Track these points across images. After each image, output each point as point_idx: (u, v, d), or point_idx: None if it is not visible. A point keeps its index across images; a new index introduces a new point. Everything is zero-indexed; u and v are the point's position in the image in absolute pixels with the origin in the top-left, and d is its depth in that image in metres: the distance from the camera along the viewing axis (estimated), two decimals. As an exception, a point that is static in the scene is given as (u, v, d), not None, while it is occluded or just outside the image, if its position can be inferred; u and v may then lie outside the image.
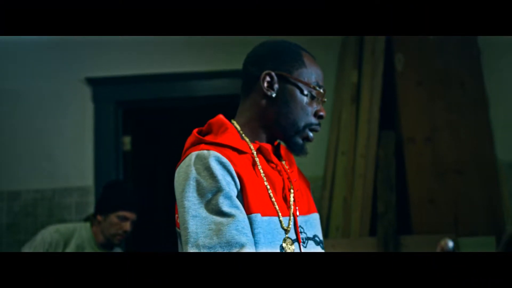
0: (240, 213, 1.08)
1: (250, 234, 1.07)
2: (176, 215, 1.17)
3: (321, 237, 1.31)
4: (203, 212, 1.06)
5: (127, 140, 3.39)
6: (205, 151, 1.12)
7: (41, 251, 2.27)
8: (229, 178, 1.10)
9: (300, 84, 1.24)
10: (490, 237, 2.56)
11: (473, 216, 2.65)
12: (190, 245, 1.04)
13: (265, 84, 1.24)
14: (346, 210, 2.77)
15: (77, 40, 3.17)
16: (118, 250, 2.52)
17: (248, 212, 1.10)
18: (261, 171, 1.20)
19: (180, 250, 1.20)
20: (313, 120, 1.26)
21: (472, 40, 2.88)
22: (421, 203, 2.69)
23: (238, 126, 1.26)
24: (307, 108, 1.25)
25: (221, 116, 1.25)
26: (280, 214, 1.17)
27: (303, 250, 1.20)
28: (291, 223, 1.19)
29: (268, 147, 1.24)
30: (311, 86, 1.25)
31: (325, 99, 1.31)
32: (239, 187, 1.12)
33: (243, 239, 1.04)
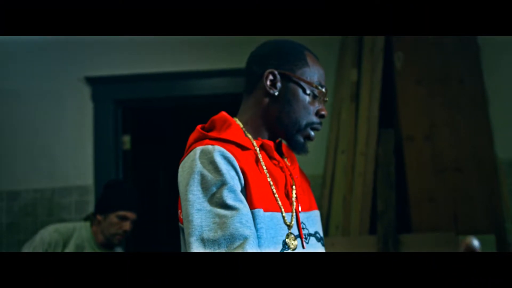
0: (244, 206, 1.09)
1: (253, 228, 1.09)
2: (180, 211, 1.18)
3: (321, 234, 1.33)
4: (208, 206, 1.07)
5: (126, 139, 3.39)
6: (210, 146, 1.13)
7: (40, 251, 2.26)
8: (233, 173, 1.11)
9: (303, 83, 1.25)
10: (490, 235, 2.56)
11: (473, 214, 2.65)
12: (194, 238, 1.05)
13: (268, 83, 1.26)
14: (346, 208, 2.77)
15: (76, 40, 3.16)
16: (119, 249, 2.52)
17: (251, 207, 1.11)
18: (264, 167, 1.21)
19: (182, 246, 1.21)
20: (315, 119, 1.27)
21: (471, 38, 2.88)
22: (420, 201, 2.69)
23: (240, 124, 1.27)
24: (309, 107, 1.26)
25: (224, 113, 1.26)
26: (283, 209, 1.19)
27: (305, 246, 1.21)
28: (294, 219, 1.21)
29: (270, 143, 1.25)
30: (314, 85, 1.26)
31: (327, 99, 1.32)
32: (243, 182, 1.13)
33: (246, 232, 1.05)
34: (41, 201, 3.14)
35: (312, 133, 1.28)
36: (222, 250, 1.03)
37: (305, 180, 1.40)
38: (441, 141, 2.76)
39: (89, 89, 3.24)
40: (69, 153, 3.20)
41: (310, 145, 1.31)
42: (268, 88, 1.25)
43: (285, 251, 1.15)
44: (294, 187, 1.26)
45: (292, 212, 1.21)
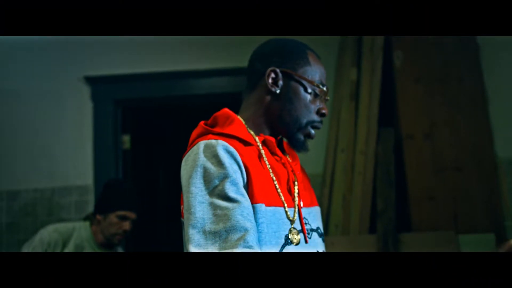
0: (245, 200, 1.10)
1: (253, 221, 1.09)
2: (182, 206, 1.19)
3: (322, 230, 1.34)
4: (209, 198, 1.08)
5: (126, 138, 3.39)
6: (213, 141, 1.14)
7: (40, 251, 2.26)
8: (236, 167, 1.12)
9: (304, 82, 1.27)
10: (490, 234, 2.57)
11: (473, 213, 2.65)
12: (196, 230, 1.06)
13: (270, 81, 1.27)
14: (346, 207, 2.77)
15: (75, 39, 3.16)
16: (119, 249, 2.52)
17: (253, 201, 1.12)
18: (267, 163, 1.22)
19: (184, 239, 1.21)
20: (315, 117, 1.29)
21: (470, 37, 2.88)
22: (420, 200, 2.69)
23: (242, 120, 1.28)
24: (310, 105, 1.28)
25: (226, 109, 1.27)
26: (285, 205, 1.20)
27: (308, 240, 1.22)
28: (296, 214, 1.22)
29: (272, 140, 1.26)
30: (315, 84, 1.27)
31: (328, 98, 1.33)
32: (245, 177, 1.14)
33: (247, 224, 1.06)
34: (41, 201, 3.14)
35: (313, 131, 1.29)
36: (223, 241, 1.03)
37: (306, 177, 1.41)
38: (441, 140, 2.76)
39: (88, 88, 3.24)
40: (68, 153, 3.20)
41: (310, 143, 1.32)
42: (269, 86, 1.27)
43: (287, 246, 1.15)
44: (296, 182, 1.27)
45: (294, 207, 1.22)
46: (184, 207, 1.11)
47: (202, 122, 1.26)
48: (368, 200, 2.73)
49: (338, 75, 3.07)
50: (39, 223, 3.05)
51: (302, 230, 1.21)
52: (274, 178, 1.21)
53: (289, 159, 1.32)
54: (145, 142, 4.04)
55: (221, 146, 1.12)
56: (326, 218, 2.80)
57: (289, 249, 1.16)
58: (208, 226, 1.05)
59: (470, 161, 2.73)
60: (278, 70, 1.27)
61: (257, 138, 1.24)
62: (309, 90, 1.27)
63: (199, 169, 1.11)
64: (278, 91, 1.26)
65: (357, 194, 2.75)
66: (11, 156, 3.20)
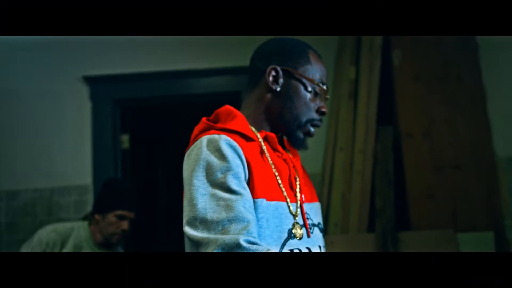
0: (247, 193, 1.11)
1: (254, 215, 1.10)
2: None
3: (322, 225, 1.35)
4: (212, 190, 1.09)
5: (125, 138, 3.39)
6: (216, 135, 1.16)
7: (38, 251, 2.26)
8: (238, 161, 1.13)
9: (305, 80, 1.28)
10: (489, 232, 2.57)
11: (472, 211, 2.65)
12: (198, 221, 1.06)
13: (271, 78, 1.28)
14: (345, 206, 2.78)
15: (74, 39, 3.16)
16: (119, 249, 2.51)
17: (254, 196, 1.13)
18: (269, 158, 1.23)
19: (185, 237, 1.22)
20: (315, 116, 1.30)
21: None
22: (419, 199, 2.69)
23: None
24: (310, 104, 1.29)
25: (228, 106, 1.28)
26: (288, 199, 1.21)
27: (310, 235, 1.23)
28: (298, 209, 1.23)
29: (274, 136, 1.28)
30: (315, 82, 1.29)
31: (328, 96, 1.34)
32: (247, 172, 1.15)
33: (249, 216, 1.07)
34: (40, 201, 3.14)
35: (312, 129, 1.30)
36: (226, 230, 1.04)
37: (306, 173, 1.41)
38: (440, 139, 2.76)
39: (87, 88, 3.24)
40: (68, 152, 3.20)
41: (308, 142, 1.33)
42: (270, 84, 1.28)
43: (290, 241, 1.16)
44: (297, 178, 1.28)
45: (296, 202, 1.24)
46: (186, 200, 1.11)
47: (204, 118, 1.27)
48: (367, 198, 2.73)
49: (337, 74, 3.07)
50: (38, 223, 3.05)
51: (304, 225, 1.22)
52: (276, 174, 1.22)
53: (290, 155, 1.33)
54: (144, 141, 4.04)
55: (224, 140, 1.14)
56: (325, 217, 2.81)
57: (292, 243, 1.17)
58: (210, 215, 1.06)
59: (469, 159, 2.73)
60: (279, 68, 1.28)
61: (258, 134, 1.25)
62: (309, 89, 1.28)
63: (201, 162, 1.12)
64: (278, 89, 1.27)
65: (356, 193, 2.75)
66: (10, 156, 3.20)
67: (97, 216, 2.37)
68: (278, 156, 1.27)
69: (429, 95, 2.82)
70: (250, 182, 1.14)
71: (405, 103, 2.82)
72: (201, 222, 1.06)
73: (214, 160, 1.11)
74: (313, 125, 1.30)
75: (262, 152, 1.23)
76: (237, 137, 1.19)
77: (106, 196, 2.39)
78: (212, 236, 1.03)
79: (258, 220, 1.12)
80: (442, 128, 2.78)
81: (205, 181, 1.10)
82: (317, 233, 1.27)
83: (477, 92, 2.82)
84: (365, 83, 2.91)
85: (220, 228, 1.04)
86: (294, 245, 1.17)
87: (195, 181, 1.10)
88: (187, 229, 1.08)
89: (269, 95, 1.29)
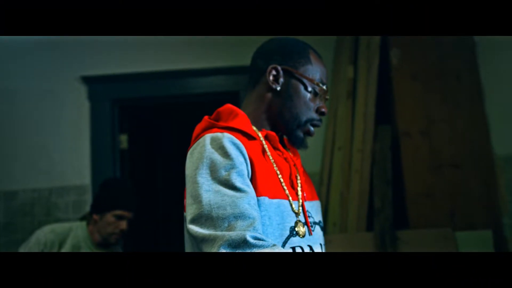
0: (251, 191, 1.12)
1: (259, 212, 1.11)
2: (185, 200, 1.19)
3: (323, 223, 1.36)
4: (216, 187, 1.09)
5: (123, 138, 3.39)
6: (219, 133, 1.16)
7: (36, 251, 2.26)
8: (241, 159, 1.14)
9: (305, 80, 1.29)
10: (487, 231, 2.57)
11: (470, 209, 2.65)
12: (204, 218, 1.06)
13: (271, 78, 1.29)
14: (343, 205, 2.78)
15: (72, 39, 3.16)
16: (118, 248, 2.51)
17: (256, 194, 1.14)
18: (270, 157, 1.24)
19: (186, 236, 1.22)
20: (315, 115, 1.31)
21: (467, 33, 2.89)
22: (417, 197, 2.69)
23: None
24: (310, 103, 1.30)
25: (229, 105, 1.29)
26: (290, 198, 1.22)
27: (312, 233, 1.24)
28: (300, 207, 1.24)
29: (275, 135, 1.28)
30: (315, 82, 1.30)
31: (328, 97, 1.35)
32: (249, 169, 1.15)
33: (255, 214, 1.07)
34: (39, 201, 3.14)
35: (312, 128, 1.31)
36: (232, 227, 1.04)
37: (305, 172, 1.42)
38: (438, 137, 2.76)
39: (85, 88, 3.24)
40: (66, 152, 3.20)
41: (307, 141, 1.33)
42: (270, 83, 1.28)
43: (292, 238, 1.17)
44: (298, 176, 1.29)
45: (298, 200, 1.24)
46: (191, 198, 1.11)
47: (206, 117, 1.28)
48: (365, 198, 2.73)
49: (335, 73, 3.07)
50: (37, 223, 3.05)
51: (305, 223, 1.23)
52: (278, 172, 1.23)
53: (290, 154, 1.34)
54: (143, 141, 4.04)
55: (227, 138, 1.14)
56: (324, 216, 2.81)
57: (293, 240, 1.17)
58: (216, 212, 1.06)
59: (467, 158, 2.73)
60: (279, 68, 1.29)
61: (259, 133, 1.26)
62: (309, 89, 1.29)
63: (205, 160, 1.12)
64: (278, 88, 1.28)
65: (355, 192, 2.76)
66: (8, 156, 3.20)
67: (95, 216, 2.37)
68: (279, 154, 1.28)
69: (427, 94, 2.82)
70: (253, 180, 1.15)
71: (403, 102, 2.83)
72: (206, 219, 1.06)
73: (218, 158, 1.11)
74: (313, 125, 1.31)
75: (263, 150, 1.23)
76: (239, 135, 1.19)
77: (104, 196, 2.39)
78: (218, 232, 1.03)
79: (261, 217, 1.12)
80: (440, 127, 2.78)
81: (209, 178, 1.10)
82: (318, 231, 1.28)
83: (475, 91, 2.82)
84: (363, 82, 2.91)
85: (226, 225, 1.04)
86: (296, 243, 1.18)
87: (199, 179, 1.10)
88: (192, 227, 1.08)
89: (269, 94, 1.30)
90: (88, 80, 3.22)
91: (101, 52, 3.26)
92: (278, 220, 1.16)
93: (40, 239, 2.30)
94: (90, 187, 3.13)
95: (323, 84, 1.31)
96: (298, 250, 1.17)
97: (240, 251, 1.00)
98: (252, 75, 1.34)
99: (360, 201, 2.73)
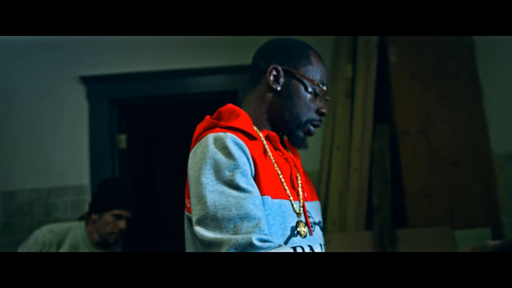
0: (255, 191, 1.11)
1: (264, 212, 1.11)
2: (187, 199, 1.20)
3: (322, 224, 1.36)
4: (221, 187, 1.09)
5: (122, 137, 3.38)
6: (222, 133, 1.16)
7: (35, 252, 2.25)
8: (245, 159, 1.13)
9: (305, 81, 1.29)
10: (486, 229, 2.58)
11: (469, 208, 2.66)
12: (209, 219, 1.06)
13: (271, 78, 1.29)
14: (342, 204, 2.78)
15: (70, 39, 3.16)
16: (117, 248, 2.51)
17: (260, 193, 1.13)
18: (271, 157, 1.24)
19: (186, 235, 1.23)
20: (315, 116, 1.31)
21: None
22: (416, 196, 2.70)
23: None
24: (310, 104, 1.30)
25: (231, 105, 1.28)
26: (291, 198, 1.22)
27: (312, 233, 1.24)
28: (301, 208, 1.24)
29: (275, 135, 1.28)
30: (315, 83, 1.30)
31: (328, 98, 1.36)
32: (253, 169, 1.15)
33: (260, 214, 1.07)
34: (38, 201, 3.14)
35: (312, 128, 1.31)
36: (238, 228, 1.04)
37: (305, 172, 1.43)
38: (437, 136, 2.77)
39: (84, 88, 3.24)
40: (65, 152, 3.20)
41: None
42: (271, 83, 1.29)
43: (293, 238, 1.17)
44: (299, 177, 1.30)
45: (299, 201, 1.25)
46: (195, 198, 1.11)
47: (208, 116, 1.28)
48: (364, 196, 2.73)
49: (334, 72, 3.07)
50: (35, 223, 3.05)
51: (306, 223, 1.23)
52: (279, 172, 1.23)
53: (290, 154, 1.34)
54: (142, 141, 4.03)
55: (230, 138, 1.14)
56: (323, 215, 2.81)
57: (294, 240, 1.17)
58: (221, 213, 1.05)
59: (466, 156, 2.74)
60: (280, 68, 1.29)
61: (260, 133, 1.26)
62: (310, 89, 1.29)
63: (208, 160, 1.11)
64: (279, 88, 1.28)
65: (353, 191, 2.76)
66: (7, 156, 3.20)
67: (93, 216, 2.36)
68: (279, 155, 1.28)
69: (426, 93, 2.83)
70: (256, 180, 1.15)
71: (401, 101, 2.83)
72: (212, 220, 1.06)
73: (221, 158, 1.11)
74: (313, 125, 1.31)
75: (265, 151, 1.23)
76: (241, 135, 1.19)
77: (102, 196, 2.38)
78: (225, 236, 1.03)
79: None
80: (439, 125, 2.78)
81: (213, 178, 1.10)
82: (318, 231, 1.28)
83: (473, 89, 2.83)
84: (361, 81, 2.91)
85: (232, 226, 1.04)
86: (296, 243, 1.18)
87: (203, 179, 1.10)
88: (198, 229, 1.07)
89: (269, 94, 1.30)
90: (86, 80, 3.22)
91: (100, 51, 3.25)
92: (280, 220, 1.16)
93: (39, 239, 2.29)
94: (89, 187, 3.13)
95: (324, 84, 1.31)
96: (299, 250, 1.17)
97: None
98: (253, 75, 1.34)
99: (359, 200, 2.73)
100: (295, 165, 1.31)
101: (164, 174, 4.73)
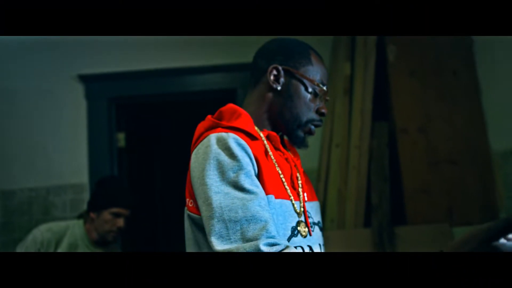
0: (260, 191, 1.11)
1: (270, 212, 1.10)
2: (188, 199, 1.20)
3: (322, 224, 1.36)
4: (226, 188, 1.09)
5: (121, 136, 3.38)
6: (224, 134, 1.16)
7: (33, 251, 2.25)
8: (247, 159, 1.13)
9: (305, 81, 1.29)
10: (485, 226, 2.58)
11: (467, 205, 2.66)
12: (216, 220, 1.06)
13: (272, 77, 1.29)
14: (341, 202, 2.78)
15: (69, 38, 3.15)
16: (116, 246, 2.51)
17: (265, 192, 1.13)
18: (272, 157, 1.24)
19: (187, 234, 1.23)
20: (315, 116, 1.32)
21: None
22: (415, 194, 2.70)
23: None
24: (310, 104, 1.30)
25: (232, 104, 1.28)
26: (292, 198, 1.23)
27: (312, 233, 1.25)
28: (301, 208, 1.25)
29: (276, 135, 1.28)
30: (315, 83, 1.30)
31: (328, 98, 1.36)
32: (256, 169, 1.15)
33: (266, 215, 1.07)
34: (36, 200, 3.14)
35: (313, 127, 1.32)
36: (245, 231, 1.04)
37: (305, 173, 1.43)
38: (435, 134, 2.77)
39: (82, 87, 3.23)
40: (63, 151, 3.19)
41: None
42: (271, 83, 1.29)
43: (294, 238, 1.17)
44: (299, 177, 1.30)
45: (300, 201, 1.25)
46: (200, 200, 1.11)
47: (209, 116, 1.28)
48: (363, 194, 2.74)
49: (332, 70, 3.07)
50: (34, 222, 3.05)
51: (306, 223, 1.24)
52: (280, 172, 1.23)
53: (291, 154, 1.34)
54: (140, 139, 4.04)
55: (233, 139, 1.13)
56: (322, 213, 2.81)
57: (294, 241, 1.18)
58: (227, 214, 1.05)
59: (465, 154, 2.74)
60: (280, 68, 1.29)
61: (261, 133, 1.26)
62: (310, 89, 1.29)
63: (212, 161, 1.11)
64: (279, 88, 1.28)
65: (352, 189, 2.76)
66: (5, 156, 3.19)
67: (92, 214, 2.36)
68: (280, 155, 1.28)
69: (424, 91, 2.83)
70: (259, 179, 1.15)
71: (400, 99, 2.83)
72: (218, 221, 1.06)
73: (225, 159, 1.11)
74: (314, 125, 1.32)
75: (266, 151, 1.23)
76: (243, 135, 1.19)
77: (100, 194, 2.38)
78: (233, 246, 1.03)
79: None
80: (437, 123, 2.78)
81: (218, 180, 1.10)
82: (317, 231, 1.29)
83: (472, 87, 2.83)
84: (360, 78, 2.92)
85: (238, 228, 1.04)
86: (296, 243, 1.18)
87: (207, 180, 1.10)
88: (209, 237, 1.06)
89: (270, 94, 1.30)
90: (85, 79, 3.21)
91: (98, 50, 3.25)
92: (281, 220, 1.16)
93: (37, 238, 2.29)
94: (87, 185, 3.13)
95: (324, 85, 1.31)
96: (299, 250, 1.18)
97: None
98: (253, 74, 1.34)
99: (358, 198, 2.73)
100: (295, 165, 1.31)
101: (163, 172, 4.73)
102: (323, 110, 1.32)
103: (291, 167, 1.28)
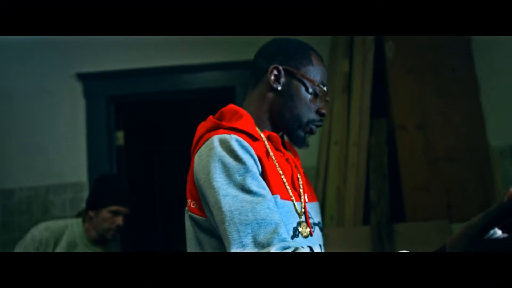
0: (267, 193, 1.11)
1: (279, 213, 1.11)
2: (189, 200, 1.20)
3: (321, 224, 1.36)
4: (233, 191, 1.08)
5: (120, 134, 3.38)
6: (227, 135, 1.15)
7: (31, 250, 2.24)
8: (252, 161, 1.13)
9: (306, 81, 1.29)
10: (483, 223, 2.58)
11: (466, 202, 2.67)
12: (227, 224, 1.05)
13: (272, 77, 1.29)
14: (340, 199, 2.79)
15: (67, 37, 3.15)
16: (115, 245, 2.51)
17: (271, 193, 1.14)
18: (273, 158, 1.24)
19: (188, 234, 1.23)
20: (315, 116, 1.31)
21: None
22: (413, 191, 2.71)
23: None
24: (310, 104, 1.30)
25: (232, 105, 1.28)
26: (293, 198, 1.22)
27: (313, 234, 1.25)
28: (302, 208, 1.25)
29: (277, 136, 1.28)
30: (316, 83, 1.29)
31: (328, 99, 1.36)
32: (260, 170, 1.15)
33: (276, 217, 1.07)
34: (36, 199, 3.14)
35: (314, 127, 1.32)
36: (257, 235, 1.04)
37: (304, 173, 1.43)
38: (434, 131, 2.77)
39: (81, 85, 3.23)
40: (62, 150, 3.19)
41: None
42: (272, 83, 1.29)
43: (295, 239, 1.17)
44: (300, 177, 1.30)
45: (301, 202, 1.25)
46: (210, 204, 1.11)
47: (211, 116, 1.27)
48: (361, 191, 2.74)
49: (331, 67, 3.07)
50: (34, 221, 3.05)
51: (307, 224, 1.24)
52: (281, 173, 1.23)
53: (291, 155, 1.34)
54: (139, 137, 4.04)
55: (236, 140, 1.13)
56: (321, 210, 2.82)
57: (296, 241, 1.18)
58: (238, 218, 1.05)
59: (463, 151, 2.75)
60: (281, 68, 1.29)
61: (262, 134, 1.26)
62: (310, 90, 1.29)
63: (217, 164, 1.11)
64: (279, 88, 1.28)
65: (351, 186, 2.77)
66: (5, 155, 3.19)
67: (91, 213, 2.36)
68: (280, 156, 1.28)
69: (422, 88, 2.83)
70: (264, 180, 1.15)
71: (398, 96, 2.83)
72: (229, 224, 1.05)
73: (230, 162, 1.11)
74: (315, 125, 1.32)
75: (267, 151, 1.23)
76: (245, 136, 1.19)
77: (99, 192, 2.38)
78: (244, 243, 1.03)
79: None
80: (435, 120, 2.79)
81: (224, 182, 1.09)
82: (317, 232, 1.29)
83: (470, 83, 2.83)
84: (358, 76, 2.92)
85: (249, 231, 1.04)
86: (297, 244, 1.18)
87: (214, 184, 1.09)
88: (227, 244, 1.06)
89: (270, 94, 1.30)
90: (83, 77, 3.21)
91: (96, 49, 3.24)
92: (283, 220, 1.15)
93: (35, 237, 2.29)
94: (87, 184, 3.13)
95: (324, 85, 1.31)
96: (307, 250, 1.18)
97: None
98: (254, 74, 1.34)
99: (357, 195, 2.74)
100: (295, 166, 1.31)
101: (162, 170, 4.73)
102: (323, 111, 1.32)
103: (291, 168, 1.28)
